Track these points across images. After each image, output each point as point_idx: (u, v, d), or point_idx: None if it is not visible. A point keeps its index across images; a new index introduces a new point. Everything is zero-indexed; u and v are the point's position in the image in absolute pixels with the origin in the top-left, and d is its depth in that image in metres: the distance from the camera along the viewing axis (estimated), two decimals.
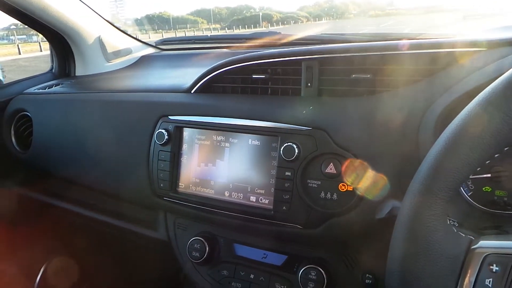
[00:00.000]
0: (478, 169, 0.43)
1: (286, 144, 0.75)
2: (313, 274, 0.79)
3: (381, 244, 0.73)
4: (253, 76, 0.89)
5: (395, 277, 0.43)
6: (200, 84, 0.93)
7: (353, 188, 0.72)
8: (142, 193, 0.95)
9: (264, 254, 0.89)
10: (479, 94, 0.44)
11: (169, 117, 0.89)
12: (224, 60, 0.91)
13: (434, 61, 0.73)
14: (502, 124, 0.40)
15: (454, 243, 0.42)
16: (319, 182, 0.74)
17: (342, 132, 0.73)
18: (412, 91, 0.73)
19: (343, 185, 0.72)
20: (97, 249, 1.37)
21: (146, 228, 1.07)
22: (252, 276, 0.89)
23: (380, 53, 0.77)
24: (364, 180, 0.70)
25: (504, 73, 0.42)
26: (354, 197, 0.72)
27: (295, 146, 0.74)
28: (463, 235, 0.43)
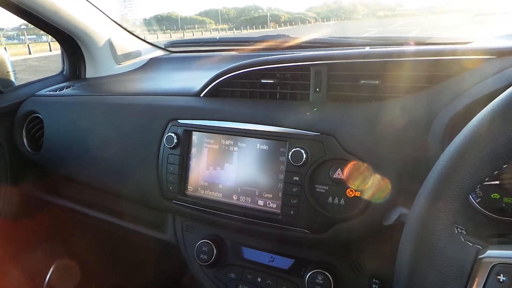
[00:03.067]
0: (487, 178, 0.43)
1: (294, 149, 0.75)
2: (320, 278, 0.79)
3: (388, 249, 0.74)
4: (262, 81, 0.89)
5: (402, 282, 0.44)
6: (209, 88, 0.94)
7: (360, 194, 0.72)
8: (151, 196, 0.96)
9: (271, 257, 0.89)
10: (493, 101, 0.43)
11: (178, 120, 0.90)
12: (233, 65, 0.91)
13: (444, 67, 0.73)
14: None
15: (462, 252, 0.42)
16: (327, 187, 0.75)
17: (350, 138, 0.74)
18: (421, 97, 0.73)
19: (350, 190, 0.73)
20: (104, 249, 1.38)
21: (154, 230, 1.08)
22: (259, 279, 0.90)
23: (389, 60, 0.77)
24: (370, 185, 0.71)
25: None
26: (361, 202, 0.72)
27: (303, 151, 0.75)
28: (471, 244, 0.43)
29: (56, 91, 1.22)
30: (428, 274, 0.41)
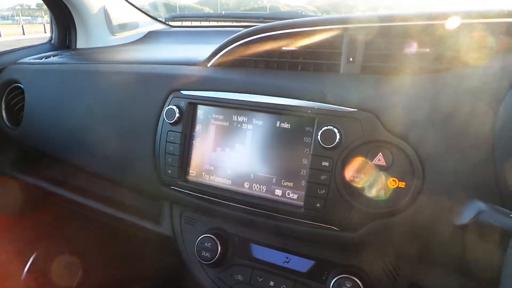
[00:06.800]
0: None
1: (325, 127, 0.61)
2: (348, 285, 0.66)
3: (436, 251, 0.61)
4: (283, 48, 0.75)
5: None
6: (219, 56, 0.80)
7: (405, 185, 0.59)
8: (146, 180, 0.82)
9: (287, 257, 0.76)
10: None
11: (181, 92, 0.76)
12: (248, 29, 0.77)
13: None
14: None
15: None
16: (364, 176, 0.61)
17: (395, 116, 0.60)
18: (486, 69, 0.59)
19: (393, 180, 0.59)
20: (93, 239, 1.25)
21: (148, 220, 0.94)
22: (272, 283, 0.76)
23: (446, 22, 0.63)
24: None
25: None
26: (407, 195, 0.58)
27: (336, 131, 0.61)
28: None
29: (41, 59, 1.08)
30: None
